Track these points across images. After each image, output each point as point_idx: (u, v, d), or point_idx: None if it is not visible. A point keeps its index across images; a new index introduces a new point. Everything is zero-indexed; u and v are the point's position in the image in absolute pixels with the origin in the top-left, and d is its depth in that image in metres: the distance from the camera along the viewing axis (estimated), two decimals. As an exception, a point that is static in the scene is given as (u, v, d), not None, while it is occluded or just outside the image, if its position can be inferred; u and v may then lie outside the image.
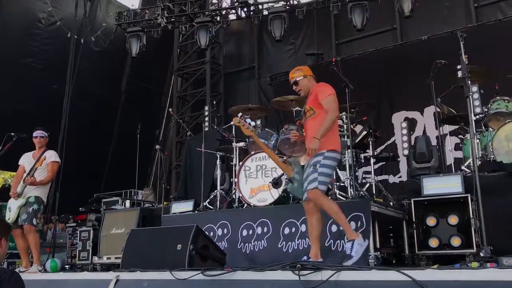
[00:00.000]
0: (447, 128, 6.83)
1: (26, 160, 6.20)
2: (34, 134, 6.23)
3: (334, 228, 4.78)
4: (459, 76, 4.30)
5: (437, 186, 4.96)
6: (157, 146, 8.92)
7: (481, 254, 3.74)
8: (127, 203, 8.47)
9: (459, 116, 6.24)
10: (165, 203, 7.68)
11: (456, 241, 4.61)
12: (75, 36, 10.09)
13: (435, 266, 3.67)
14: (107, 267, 6.79)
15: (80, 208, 9.10)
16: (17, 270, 5.88)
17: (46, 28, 10.48)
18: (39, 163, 5.94)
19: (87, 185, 10.57)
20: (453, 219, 4.70)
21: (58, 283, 4.81)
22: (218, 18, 9.65)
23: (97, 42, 10.43)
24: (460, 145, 6.52)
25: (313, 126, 4.31)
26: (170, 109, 9.86)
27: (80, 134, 10.21)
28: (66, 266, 7.93)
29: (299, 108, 6.02)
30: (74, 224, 8.68)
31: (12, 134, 6.67)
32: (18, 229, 5.76)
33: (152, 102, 13.16)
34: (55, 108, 9.71)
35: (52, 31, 10.48)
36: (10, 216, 5.81)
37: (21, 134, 6.65)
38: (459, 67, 4.34)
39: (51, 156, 6.12)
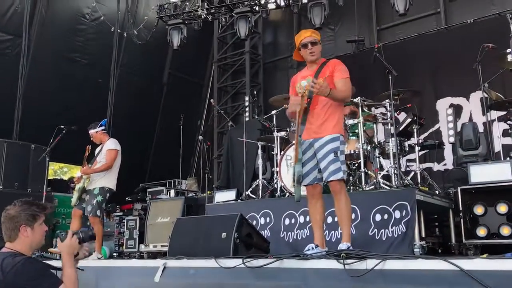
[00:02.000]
0: (495, 114, 6.61)
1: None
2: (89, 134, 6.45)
3: (378, 217, 4.74)
4: (508, 60, 4.14)
5: (485, 173, 4.82)
6: (200, 137, 9.04)
7: (533, 244, 3.62)
8: (172, 192, 8.65)
9: (508, 101, 6.02)
10: (208, 192, 7.80)
11: (506, 230, 4.49)
12: (118, 30, 10.33)
13: (484, 256, 3.59)
14: (153, 255, 6.96)
15: (127, 198, 9.35)
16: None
17: (90, 23, 10.78)
18: (95, 159, 6.19)
19: (133, 175, 10.85)
20: (503, 208, 4.58)
21: (110, 269, 4.99)
22: (257, 8, 9.64)
23: (139, 35, 10.63)
24: (509, 131, 6.29)
25: (323, 104, 3.99)
26: (211, 100, 9.96)
27: (125, 126, 10.49)
28: (114, 254, 8.20)
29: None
30: (121, 214, 8.95)
31: (62, 127, 6.95)
32: (79, 210, 6.04)
33: (194, 93, 13.33)
34: (100, 101, 10.02)
35: (96, 26, 10.77)
36: (72, 199, 6.15)
37: (70, 127, 6.92)
38: (508, 50, 4.19)
39: (108, 144, 6.30)
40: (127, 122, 10.75)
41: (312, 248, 3.98)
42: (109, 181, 6.15)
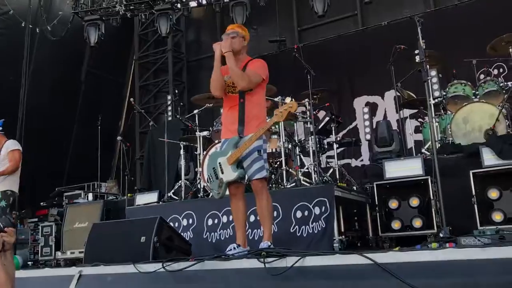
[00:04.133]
0: (407, 112, 6.97)
1: None
2: None
3: (299, 214, 4.82)
4: (417, 61, 4.35)
5: (398, 169, 5.04)
6: (119, 138, 8.74)
7: (441, 235, 3.83)
8: (90, 196, 8.31)
9: (419, 100, 6.37)
10: (129, 195, 7.54)
11: (417, 223, 4.72)
12: (30, 26, 9.74)
13: (397, 248, 3.75)
14: (71, 262, 6.64)
15: (42, 203, 8.86)
16: None
17: (-1, 17, 10.08)
18: None
19: (48, 179, 10.30)
20: (415, 201, 4.81)
21: (18, 281, 4.67)
22: (179, 5, 9.48)
23: (54, 31, 10.08)
24: (420, 128, 6.67)
25: (250, 106, 4.06)
26: (131, 99, 9.65)
27: (39, 126, 9.91)
28: (29, 263, 7.73)
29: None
30: (36, 220, 8.47)
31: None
32: None
33: (113, 92, 12.86)
34: (11, 101, 9.40)
35: (5, 20, 10.06)
36: None
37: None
38: (416, 52, 4.39)
39: (9, 145, 5.89)
40: (41, 123, 10.14)
41: (234, 248, 3.96)
42: (11, 183, 5.76)
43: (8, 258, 2.52)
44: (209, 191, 4.14)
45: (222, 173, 4.04)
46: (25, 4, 9.94)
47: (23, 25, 9.63)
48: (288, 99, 4.38)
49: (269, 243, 3.88)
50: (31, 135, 8.58)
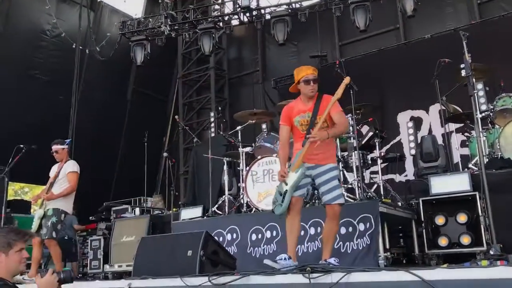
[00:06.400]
0: (453, 126, 6.83)
1: (52, 172, 6.13)
2: (52, 149, 6.16)
3: (343, 230, 4.79)
4: (463, 75, 4.29)
5: (445, 185, 4.94)
6: (165, 154, 8.97)
7: (491, 252, 3.72)
8: (137, 210, 8.51)
9: (465, 114, 6.24)
10: (174, 209, 7.71)
11: (465, 240, 4.60)
12: (80, 47, 10.18)
13: (445, 266, 3.68)
14: (119, 275, 6.81)
15: (90, 217, 9.15)
16: (21, 277, 5.94)
17: (51, 39, 10.62)
18: (53, 178, 5.96)
19: (97, 194, 10.63)
20: (462, 217, 4.70)
21: (71, 292, 4.85)
22: (221, 24, 9.70)
23: (102, 52, 10.50)
24: (467, 143, 6.51)
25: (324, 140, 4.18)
26: (176, 116, 9.89)
27: (88, 144, 10.31)
28: (78, 275, 7.98)
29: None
30: (85, 234, 8.74)
31: (21, 146, 6.74)
32: (38, 237, 5.80)
33: (158, 109, 13.24)
34: (62, 119, 9.81)
35: (57, 42, 10.60)
36: (32, 226, 5.87)
37: (30, 146, 6.72)
38: (462, 66, 4.33)
39: (69, 166, 6.04)
40: (89, 140, 10.56)
41: (285, 259, 4.03)
42: (65, 203, 5.94)
43: None
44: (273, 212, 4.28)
45: (286, 184, 4.15)
46: (76, 27, 10.41)
47: (73, 46, 10.07)
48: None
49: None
50: (80, 152, 8.90)
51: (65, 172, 5.98)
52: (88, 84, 10.73)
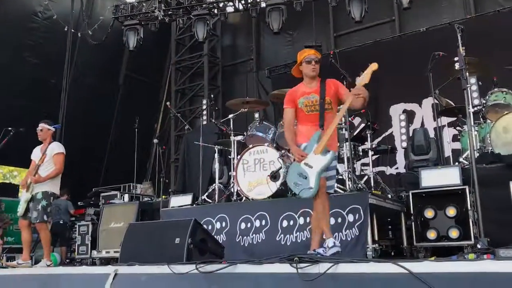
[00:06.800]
0: (445, 120, 6.83)
1: (35, 155, 6.03)
2: (39, 126, 6.06)
3: (332, 221, 4.76)
4: (456, 68, 4.27)
5: (435, 178, 4.95)
6: (155, 140, 8.94)
7: (478, 246, 3.73)
8: (126, 197, 8.48)
9: (457, 108, 6.23)
10: (163, 197, 7.68)
11: (454, 233, 4.62)
12: (72, 30, 10.06)
13: (432, 258, 3.67)
14: (106, 261, 6.80)
15: (79, 203, 9.10)
16: (15, 262, 5.90)
17: (43, 22, 10.45)
18: (41, 161, 5.87)
19: (86, 180, 10.58)
20: (451, 211, 4.72)
21: (57, 277, 4.82)
22: (216, 11, 9.61)
23: (94, 35, 10.38)
24: (458, 137, 6.51)
25: (330, 121, 4.15)
26: (168, 103, 9.82)
27: (78, 128, 10.21)
28: (66, 261, 7.95)
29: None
30: (73, 219, 8.70)
31: (10, 128, 6.64)
32: (26, 220, 5.75)
33: (150, 95, 13.14)
34: (52, 103, 9.70)
35: (49, 25, 10.45)
36: (19, 209, 5.81)
37: (18, 128, 6.62)
38: (456, 59, 4.32)
39: (54, 148, 5.94)
40: (80, 125, 10.46)
41: (334, 243, 3.95)
42: (53, 185, 5.88)
43: None
44: (297, 196, 4.15)
45: (312, 167, 4.03)
46: (68, 10, 10.27)
47: (65, 29, 9.94)
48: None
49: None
50: (70, 137, 8.82)
51: (51, 154, 5.91)
52: (80, 68, 10.63)
